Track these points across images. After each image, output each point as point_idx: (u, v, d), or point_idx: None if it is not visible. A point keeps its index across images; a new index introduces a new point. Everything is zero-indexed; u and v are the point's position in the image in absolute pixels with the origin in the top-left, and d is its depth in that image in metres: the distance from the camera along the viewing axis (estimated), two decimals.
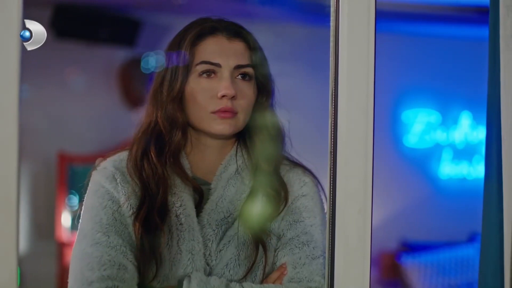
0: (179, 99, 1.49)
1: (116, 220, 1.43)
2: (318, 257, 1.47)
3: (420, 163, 5.13)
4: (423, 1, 4.52)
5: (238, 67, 1.49)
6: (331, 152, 1.28)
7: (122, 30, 4.50)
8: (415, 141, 5.13)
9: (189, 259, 1.43)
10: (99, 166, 1.51)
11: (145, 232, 1.42)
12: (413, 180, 5.12)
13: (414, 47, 5.12)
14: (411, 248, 4.96)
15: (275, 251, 1.49)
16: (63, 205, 4.31)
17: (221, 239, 1.47)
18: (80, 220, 1.47)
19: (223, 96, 1.46)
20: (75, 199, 4.28)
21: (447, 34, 5.07)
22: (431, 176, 5.15)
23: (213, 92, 1.47)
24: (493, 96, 1.47)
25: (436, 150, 5.17)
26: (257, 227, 1.48)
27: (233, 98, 1.46)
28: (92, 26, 4.43)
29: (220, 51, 1.49)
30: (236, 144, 1.55)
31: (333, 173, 1.27)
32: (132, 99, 4.54)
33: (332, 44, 1.27)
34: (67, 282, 1.41)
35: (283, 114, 1.57)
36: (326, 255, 1.29)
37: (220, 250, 1.46)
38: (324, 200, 1.54)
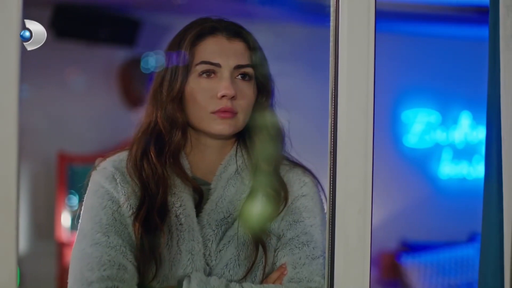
0: (179, 99, 1.49)
1: (116, 220, 1.43)
2: (318, 257, 1.47)
3: (420, 163, 5.13)
4: (423, 1, 4.52)
5: (238, 67, 1.49)
6: (331, 152, 1.28)
7: (122, 30, 4.50)
8: (415, 141, 5.13)
9: (188, 259, 1.43)
10: (98, 166, 1.50)
11: (145, 232, 1.42)
12: (413, 180, 5.12)
13: (414, 47, 5.12)
14: (411, 248, 4.96)
15: (275, 251, 1.49)
16: (62, 205, 4.31)
17: (221, 239, 1.46)
18: (79, 220, 1.47)
19: (223, 96, 1.46)
20: (75, 199, 4.28)
21: (447, 34, 5.07)
22: (431, 176, 5.15)
23: (213, 92, 1.47)
24: (493, 96, 1.47)
25: (436, 150, 5.17)
26: (257, 227, 1.48)
27: (233, 98, 1.46)
28: (92, 26, 4.43)
29: (220, 51, 1.49)
30: (236, 144, 1.55)
31: (333, 173, 1.27)
32: (132, 99, 4.54)
33: (332, 44, 1.27)
34: (67, 282, 1.41)
35: (283, 114, 1.57)
36: (326, 255, 1.29)
37: (220, 250, 1.46)
38: (324, 200, 1.54)
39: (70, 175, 4.33)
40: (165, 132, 1.49)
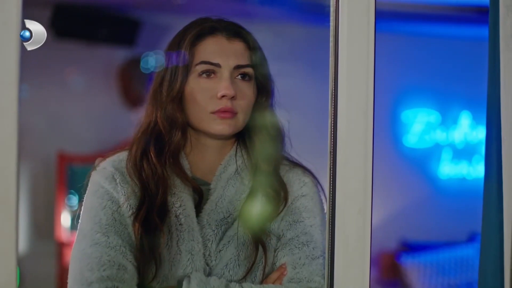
0: (179, 99, 1.49)
1: (115, 221, 1.43)
2: (318, 257, 1.47)
3: (419, 163, 5.13)
4: (423, 1, 4.52)
5: (237, 67, 1.49)
6: (330, 152, 1.28)
7: (122, 30, 4.50)
8: (414, 141, 5.13)
9: (188, 260, 1.43)
10: (98, 166, 1.50)
11: (144, 233, 1.42)
12: (413, 180, 5.12)
13: (414, 47, 5.12)
14: (411, 248, 4.96)
15: (274, 252, 1.49)
16: (62, 205, 4.31)
17: (220, 239, 1.46)
18: (79, 220, 1.47)
19: (223, 96, 1.46)
20: (74, 199, 4.28)
21: (447, 34, 5.07)
22: (430, 176, 5.15)
23: (212, 92, 1.47)
24: (493, 96, 1.47)
25: (435, 150, 5.17)
26: (256, 228, 1.48)
27: (232, 98, 1.46)
28: (92, 26, 4.43)
29: (219, 51, 1.48)
30: (235, 144, 1.55)
31: (332, 173, 1.27)
32: (132, 99, 4.54)
33: (331, 44, 1.27)
34: (66, 282, 1.41)
35: (283, 114, 1.57)
36: (326, 255, 1.29)
37: (220, 251, 1.46)
38: (324, 200, 1.54)
39: (70, 175, 4.33)
40: (165, 132, 1.49)
